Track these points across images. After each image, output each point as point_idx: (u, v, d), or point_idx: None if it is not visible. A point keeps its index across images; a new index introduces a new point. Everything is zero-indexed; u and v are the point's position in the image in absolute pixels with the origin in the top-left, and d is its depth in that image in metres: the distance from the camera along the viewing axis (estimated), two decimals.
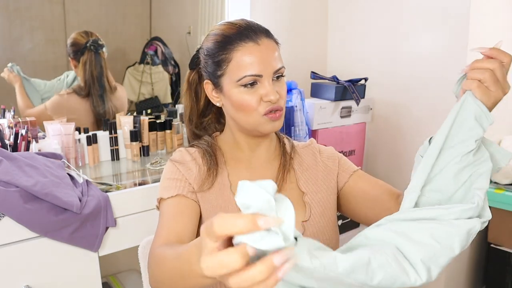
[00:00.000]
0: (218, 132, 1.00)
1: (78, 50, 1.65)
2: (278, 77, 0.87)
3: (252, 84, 0.83)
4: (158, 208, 0.91)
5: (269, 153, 0.96)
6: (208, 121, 1.01)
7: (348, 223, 1.88)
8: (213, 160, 0.92)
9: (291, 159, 0.97)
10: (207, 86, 0.92)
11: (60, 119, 1.53)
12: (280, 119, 0.88)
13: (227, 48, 0.84)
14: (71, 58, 1.66)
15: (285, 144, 0.99)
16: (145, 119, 1.64)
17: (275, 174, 0.93)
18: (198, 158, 0.93)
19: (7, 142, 1.23)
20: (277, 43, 0.89)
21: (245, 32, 0.84)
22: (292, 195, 0.92)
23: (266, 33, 0.86)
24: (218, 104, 0.92)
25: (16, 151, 1.22)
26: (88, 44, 1.64)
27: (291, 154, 0.97)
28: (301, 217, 0.90)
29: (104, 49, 1.69)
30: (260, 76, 0.83)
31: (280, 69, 0.86)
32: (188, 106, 0.99)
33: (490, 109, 0.70)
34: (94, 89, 1.67)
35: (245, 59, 0.83)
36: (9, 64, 1.57)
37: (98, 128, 1.67)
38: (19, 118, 1.36)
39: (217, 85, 0.89)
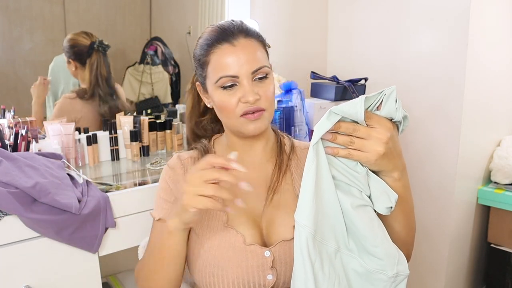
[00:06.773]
0: (218, 134, 1.01)
1: (82, 52, 1.63)
2: (261, 78, 0.85)
3: (232, 86, 0.84)
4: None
5: (265, 154, 0.95)
6: (206, 120, 1.02)
7: None
8: None
9: (289, 160, 0.95)
10: (199, 88, 0.95)
11: (60, 119, 1.53)
12: (261, 119, 0.86)
13: (207, 51, 0.86)
14: (72, 60, 1.63)
15: (284, 144, 0.98)
16: (145, 119, 1.64)
17: (270, 176, 0.92)
18: (190, 165, 0.94)
19: (7, 142, 1.23)
20: (261, 41, 0.87)
21: (223, 34, 0.85)
22: (286, 197, 0.90)
23: (246, 33, 0.85)
24: (209, 105, 0.94)
25: (16, 151, 1.22)
26: (95, 46, 1.63)
27: (290, 155, 0.96)
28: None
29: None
30: (236, 77, 0.83)
31: (259, 69, 0.84)
32: (190, 105, 1.01)
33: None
34: (103, 89, 1.66)
35: (220, 61, 0.83)
36: (50, 77, 1.59)
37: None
38: (19, 118, 1.36)
39: (204, 87, 0.91)
